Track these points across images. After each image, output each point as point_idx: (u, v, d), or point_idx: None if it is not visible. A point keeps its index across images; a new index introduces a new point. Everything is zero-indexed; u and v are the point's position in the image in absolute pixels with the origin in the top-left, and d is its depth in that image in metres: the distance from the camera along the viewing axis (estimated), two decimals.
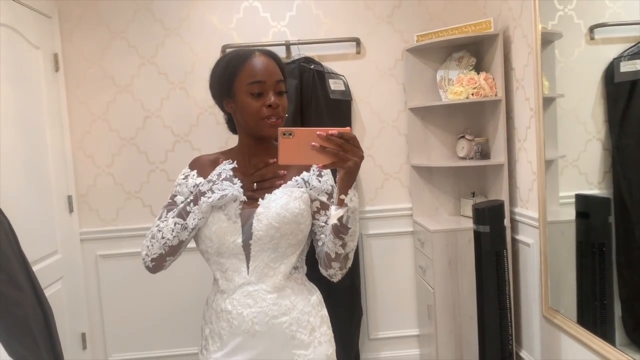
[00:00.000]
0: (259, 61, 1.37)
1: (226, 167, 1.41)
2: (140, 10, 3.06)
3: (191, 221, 1.35)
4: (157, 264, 1.39)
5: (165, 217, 1.41)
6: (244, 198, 1.37)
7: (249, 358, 1.37)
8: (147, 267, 1.40)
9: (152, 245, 1.38)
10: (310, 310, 1.43)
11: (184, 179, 1.46)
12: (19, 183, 2.48)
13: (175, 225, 1.36)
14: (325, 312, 1.51)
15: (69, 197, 3.02)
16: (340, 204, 1.26)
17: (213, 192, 1.35)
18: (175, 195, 1.44)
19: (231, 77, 1.38)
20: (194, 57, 3.10)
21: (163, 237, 1.36)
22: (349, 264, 1.39)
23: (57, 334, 1.76)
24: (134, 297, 3.17)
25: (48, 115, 2.83)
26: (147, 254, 1.39)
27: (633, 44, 1.93)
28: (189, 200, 1.37)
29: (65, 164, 3.00)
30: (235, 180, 1.39)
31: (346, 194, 1.25)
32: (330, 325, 1.51)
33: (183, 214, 1.36)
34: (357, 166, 1.21)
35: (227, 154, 1.49)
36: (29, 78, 2.67)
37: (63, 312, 2.77)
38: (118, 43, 3.08)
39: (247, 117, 1.37)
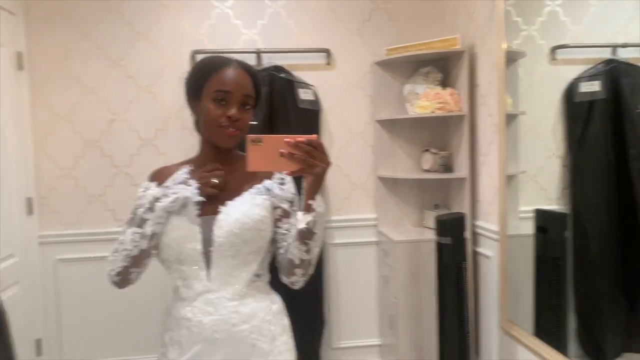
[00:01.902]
0: (233, 72, 1.38)
1: (182, 172, 1.41)
2: (110, 12, 3.02)
3: (148, 228, 1.34)
4: (122, 278, 1.38)
5: (126, 231, 1.39)
6: (198, 198, 1.35)
7: None
8: (114, 282, 1.39)
9: (115, 260, 1.36)
10: (271, 319, 1.43)
11: (143, 191, 1.43)
12: None
13: (133, 235, 1.34)
14: (286, 321, 1.51)
15: (29, 199, 2.94)
16: (308, 209, 1.29)
17: (167, 196, 1.35)
18: (137, 209, 1.41)
19: (202, 80, 1.39)
20: (163, 61, 3.08)
21: (124, 249, 1.35)
22: (312, 270, 1.40)
23: (11, 338, 1.71)
24: (93, 302, 3.09)
25: (9, 114, 2.75)
26: (112, 269, 1.37)
27: (592, 65, 2.00)
28: (145, 208, 1.36)
29: (25, 165, 2.92)
30: (190, 182, 1.38)
31: (314, 199, 1.27)
32: (291, 334, 1.51)
33: (140, 223, 1.35)
34: (324, 172, 1.24)
35: (187, 163, 1.48)
36: None
37: (18, 317, 2.69)
38: (86, 44, 3.03)
39: (206, 122, 1.38)
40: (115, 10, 3.03)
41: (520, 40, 2.40)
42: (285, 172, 1.29)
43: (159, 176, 1.46)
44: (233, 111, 1.36)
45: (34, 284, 2.96)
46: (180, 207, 1.35)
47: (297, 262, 1.36)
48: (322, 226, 1.33)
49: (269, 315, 1.43)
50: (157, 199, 1.35)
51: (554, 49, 2.20)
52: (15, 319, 1.81)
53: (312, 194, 1.27)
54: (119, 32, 3.04)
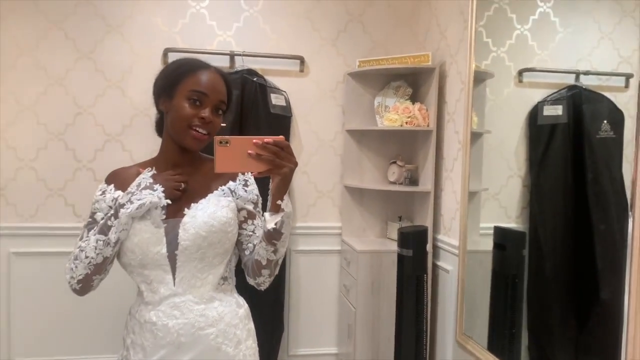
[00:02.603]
0: (210, 75, 1.39)
1: (145, 176, 1.39)
2: (81, 3, 2.97)
3: (113, 235, 1.31)
4: (84, 285, 1.35)
5: (87, 236, 1.36)
6: (165, 202, 1.34)
7: None
8: (75, 290, 1.36)
9: (76, 267, 1.33)
10: (237, 323, 1.42)
11: (101, 194, 1.41)
12: None
13: (97, 242, 1.32)
14: (252, 325, 1.51)
15: None
16: (276, 209, 1.29)
17: (132, 202, 1.32)
18: (95, 213, 1.39)
19: (178, 78, 1.38)
20: (134, 57, 3.03)
21: (87, 257, 1.32)
22: (277, 270, 1.41)
23: None
24: (47, 298, 3.00)
25: None
26: (72, 277, 1.34)
27: (556, 90, 2.07)
28: (109, 214, 1.33)
29: None
30: (156, 186, 1.36)
31: (282, 199, 1.27)
32: (256, 339, 1.51)
33: (104, 230, 1.32)
34: (291, 172, 1.25)
35: (147, 165, 1.45)
36: None
37: None
38: (55, 34, 2.96)
39: (176, 120, 1.37)
40: (87, 1, 2.97)
41: (489, 61, 2.45)
42: (253, 172, 1.29)
43: (116, 178, 1.44)
44: (207, 112, 1.36)
45: None
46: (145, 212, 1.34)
47: (264, 262, 1.36)
48: (289, 226, 1.33)
49: (236, 319, 1.42)
50: (121, 205, 1.32)
51: (521, 72, 2.25)
52: None
53: (280, 194, 1.28)
54: (90, 24, 2.99)
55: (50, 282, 2.99)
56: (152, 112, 2.96)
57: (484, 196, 2.52)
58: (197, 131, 1.36)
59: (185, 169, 1.43)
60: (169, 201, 1.35)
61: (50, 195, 3.02)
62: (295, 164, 1.26)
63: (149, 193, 1.34)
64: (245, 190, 1.45)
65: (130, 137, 3.06)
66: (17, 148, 2.97)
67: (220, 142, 1.20)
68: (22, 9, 2.92)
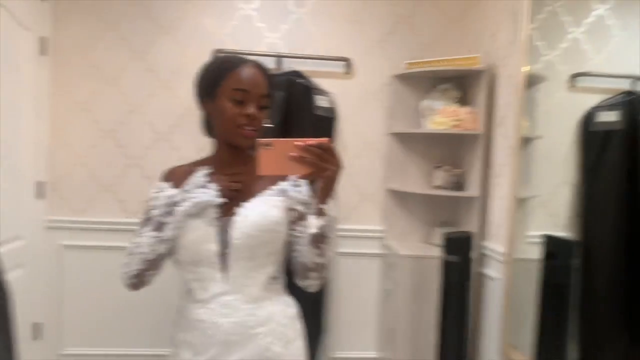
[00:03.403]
0: (250, 71, 1.38)
1: (201, 175, 1.40)
2: (136, 5, 3.05)
3: (167, 233, 1.33)
4: (138, 281, 1.37)
5: (142, 232, 1.38)
6: (219, 201, 1.35)
7: None
8: (128, 285, 1.38)
9: (130, 262, 1.35)
10: (287, 323, 1.42)
11: (158, 192, 1.43)
12: None
13: (151, 239, 1.34)
14: (300, 325, 1.50)
15: (39, 183, 2.96)
16: (320, 213, 1.28)
17: (187, 200, 1.34)
18: (151, 210, 1.40)
19: (218, 78, 1.39)
20: (184, 58, 3.10)
21: (141, 253, 1.34)
22: (326, 273, 1.39)
23: (13, 318, 1.72)
24: (96, 291, 3.10)
25: (28, 98, 2.78)
26: (126, 272, 1.36)
27: (611, 95, 1.99)
28: (164, 212, 1.35)
29: (39, 149, 2.95)
30: (211, 185, 1.37)
31: (326, 203, 1.26)
32: (304, 339, 1.50)
33: (159, 227, 1.34)
34: (335, 175, 1.23)
35: (202, 163, 1.47)
36: (12, 58, 2.62)
37: (20, 300, 2.69)
38: (110, 35, 3.06)
39: (224, 122, 1.37)
40: (140, 4, 3.05)
41: (541, 65, 2.39)
42: (296, 176, 1.28)
43: (173, 176, 1.46)
44: (252, 110, 1.36)
45: (38, 267, 2.97)
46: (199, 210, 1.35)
47: (311, 265, 1.35)
48: (334, 230, 1.32)
49: (285, 319, 1.42)
50: (176, 203, 1.34)
51: (574, 76, 2.19)
52: (17, 301, 1.81)
53: (323, 198, 1.26)
54: (143, 25, 3.07)
55: (98, 274, 3.08)
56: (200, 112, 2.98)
57: (532, 203, 2.46)
58: (246, 129, 1.36)
59: (238, 167, 1.43)
60: (222, 200, 1.36)
61: (101, 191, 3.11)
62: (340, 167, 1.24)
63: (203, 192, 1.36)
64: (297, 191, 1.44)
65: (179, 136, 3.12)
66: (72, 144, 3.07)
67: (263, 145, 1.19)
68: (80, 10, 3.03)
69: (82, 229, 3.09)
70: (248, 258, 1.36)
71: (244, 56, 1.45)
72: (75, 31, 3.03)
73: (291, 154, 1.19)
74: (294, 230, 1.43)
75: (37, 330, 3.00)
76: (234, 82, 1.37)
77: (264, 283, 1.39)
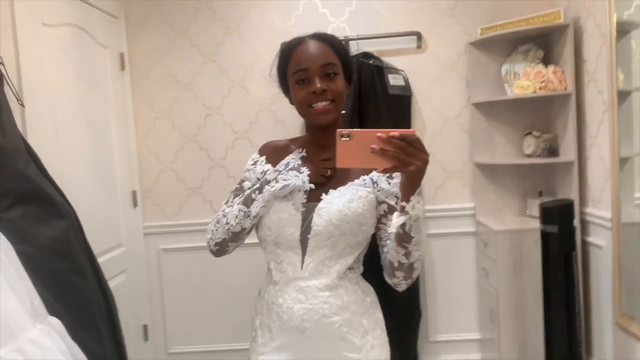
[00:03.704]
0: (304, 48, 1.35)
1: (295, 157, 1.41)
2: (201, 9, 3.11)
3: (254, 209, 1.34)
4: (220, 249, 1.42)
5: (232, 202, 1.42)
6: (308, 187, 1.34)
7: (297, 357, 1.35)
8: (211, 251, 1.44)
9: (216, 230, 1.40)
10: (363, 312, 1.38)
11: (252, 164, 1.46)
12: (86, 178, 2.57)
13: (239, 212, 1.36)
14: (380, 315, 1.45)
15: (133, 192, 3.11)
16: (402, 211, 1.19)
17: (277, 181, 1.34)
18: (244, 181, 1.45)
19: (283, 69, 1.39)
20: (253, 55, 3.12)
21: (227, 223, 1.37)
22: (415, 274, 1.31)
23: (119, 322, 1.80)
24: (194, 291, 3.23)
25: (115, 113, 2.92)
26: (211, 238, 1.41)
27: None
28: (254, 187, 1.37)
29: (130, 160, 3.10)
30: (303, 169, 1.36)
31: (408, 200, 1.17)
32: (385, 329, 1.45)
33: (247, 202, 1.36)
34: (420, 171, 1.14)
35: (298, 142, 1.48)
36: (97, 77, 2.77)
37: (126, 304, 2.85)
38: (181, 42, 3.14)
39: (298, 106, 1.37)
40: (206, 7, 3.11)
41: (632, 10, 2.18)
42: (376, 169, 1.17)
43: (268, 150, 1.48)
44: (315, 86, 1.31)
45: (140, 272, 3.13)
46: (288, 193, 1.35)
47: (396, 264, 1.28)
48: (421, 229, 1.22)
49: (362, 309, 1.38)
50: (267, 182, 1.35)
51: None
52: (122, 305, 1.91)
53: (406, 195, 1.17)
54: (210, 29, 3.13)
55: (195, 275, 3.20)
56: (275, 107, 3.05)
57: (638, 162, 2.24)
58: (316, 107, 1.32)
59: (332, 150, 1.40)
60: (312, 186, 1.34)
61: (190, 194, 3.21)
62: (426, 162, 1.14)
63: (295, 175, 1.35)
64: (389, 183, 1.37)
65: (257, 133, 3.16)
66: (157, 152, 3.20)
67: (342, 136, 1.13)
68: (151, 22, 3.13)
69: (176, 232, 3.21)
70: (328, 247, 1.33)
71: (305, 34, 1.41)
72: (148, 43, 3.15)
73: (372, 146, 1.11)
74: (383, 224, 1.36)
75: (145, 332, 3.16)
76: (293, 65, 1.35)
77: (340, 273, 1.35)
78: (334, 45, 1.38)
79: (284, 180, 1.33)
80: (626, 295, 2.29)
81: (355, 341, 1.34)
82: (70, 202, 1.72)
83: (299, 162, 1.39)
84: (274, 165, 1.42)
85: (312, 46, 1.35)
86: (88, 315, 1.61)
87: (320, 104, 1.32)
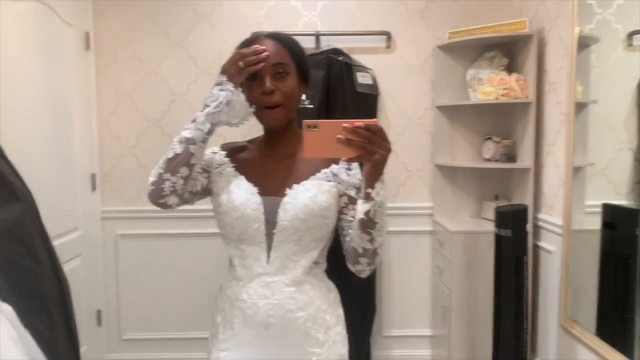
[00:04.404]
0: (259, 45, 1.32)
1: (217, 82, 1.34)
2: None
3: (186, 133, 1.30)
4: (156, 187, 1.31)
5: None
6: (240, 94, 1.30)
7: (260, 352, 1.35)
8: (149, 194, 1.34)
9: (154, 172, 1.33)
10: (326, 308, 1.40)
11: (212, 153, 1.44)
12: (44, 159, 2.51)
13: (172, 143, 1.31)
14: (341, 311, 1.48)
15: (93, 176, 3.05)
16: (367, 197, 1.23)
17: (208, 105, 1.31)
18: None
19: None
20: (223, 44, 3.09)
21: (162, 160, 1.31)
22: (378, 259, 1.35)
23: (73, 308, 1.77)
24: (150, 277, 3.19)
25: (77, 94, 2.85)
26: (150, 179, 1.33)
27: None
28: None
29: (90, 143, 3.03)
30: (225, 83, 1.31)
31: (373, 187, 1.22)
32: (344, 325, 1.48)
33: (182, 137, 1.31)
34: (384, 159, 1.19)
35: (253, 142, 1.48)
36: (60, 55, 2.70)
37: (80, 288, 2.80)
38: (149, 24, 3.08)
39: (252, 105, 1.35)
40: None
41: (593, 25, 2.26)
42: (342, 158, 1.21)
43: (229, 148, 1.47)
44: (265, 85, 1.31)
45: (96, 257, 3.08)
46: (226, 108, 1.30)
47: (360, 251, 1.31)
48: (384, 215, 1.27)
49: (325, 305, 1.40)
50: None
51: (631, 35, 2.06)
52: (76, 290, 1.87)
53: (371, 182, 1.21)
54: (181, 14, 3.08)
55: (152, 262, 3.17)
56: None
57: (589, 171, 2.34)
58: (266, 108, 1.33)
59: (285, 148, 1.41)
60: (252, 109, 1.33)
61: None
62: (389, 150, 1.19)
63: (219, 89, 1.31)
64: (348, 175, 1.40)
65: None
66: (119, 136, 3.14)
67: (309, 126, 1.15)
68: (119, 2, 3.06)
69: (134, 218, 3.16)
70: (294, 241, 1.34)
71: (262, 32, 1.40)
72: (115, 24, 3.08)
73: (338, 136, 1.14)
74: (345, 215, 1.40)
75: (98, 317, 3.11)
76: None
77: (306, 267, 1.36)
78: (289, 45, 1.37)
79: (212, 100, 1.30)
80: (572, 299, 2.39)
81: (318, 337, 1.36)
82: (27, 184, 1.68)
83: (222, 80, 1.32)
84: (232, 159, 1.42)
85: (267, 45, 1.33)
86: (41, 302, 1.57)
87: (269, 105, 1.32)
